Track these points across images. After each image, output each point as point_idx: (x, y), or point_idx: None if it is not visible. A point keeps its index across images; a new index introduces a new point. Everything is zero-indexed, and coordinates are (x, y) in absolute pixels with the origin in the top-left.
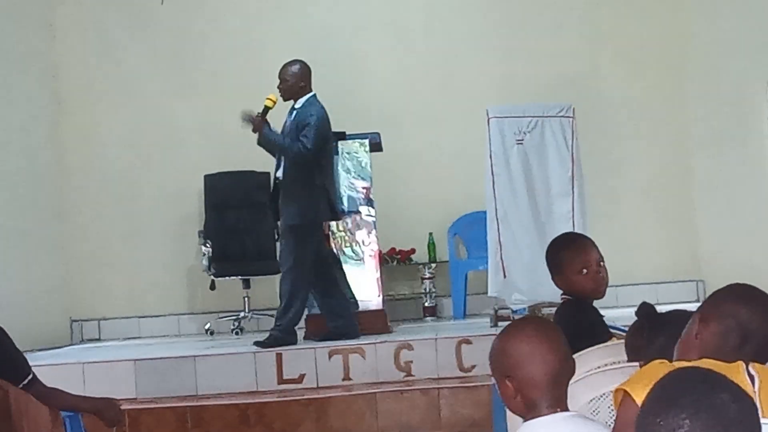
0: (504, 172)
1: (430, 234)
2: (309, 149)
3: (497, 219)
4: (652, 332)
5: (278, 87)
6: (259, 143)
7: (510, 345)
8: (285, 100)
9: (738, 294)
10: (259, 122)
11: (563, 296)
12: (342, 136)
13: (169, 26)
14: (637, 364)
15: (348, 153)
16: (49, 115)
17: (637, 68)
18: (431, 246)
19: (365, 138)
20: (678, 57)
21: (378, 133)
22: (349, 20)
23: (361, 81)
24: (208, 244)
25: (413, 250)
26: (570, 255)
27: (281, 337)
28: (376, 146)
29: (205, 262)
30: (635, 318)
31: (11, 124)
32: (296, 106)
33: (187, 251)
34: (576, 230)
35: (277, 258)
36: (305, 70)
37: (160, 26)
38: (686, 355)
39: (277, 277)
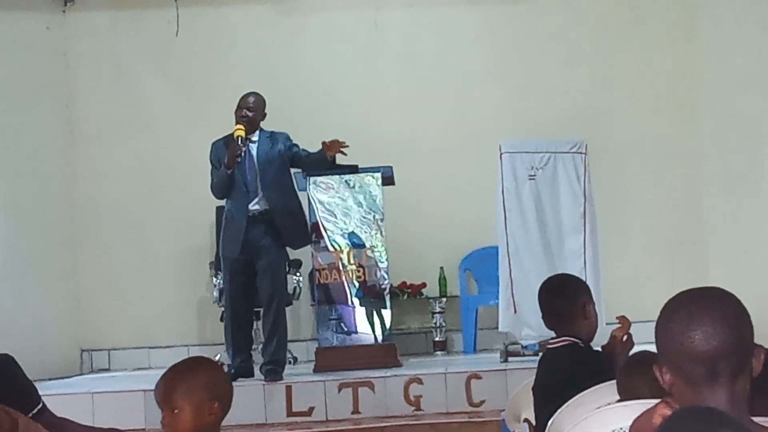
0: (516, 208)
1: (441, 268)
2: None
3: (509, 254)
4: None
5: (243, 118)
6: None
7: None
8: (249, 133)
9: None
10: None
11: (566, 339)
12: (354, 169)
13: (183, 57)
14: (645, 401)
15: (360, 186)
16: (62, 143)
17: (649, 104)
18: (442, 280)
19: (377, 171)
20: (690, 93)
21: (390, 167)
22: (361, 53)
23: (374, 114)
24: (218, 276)
25: (424, 284)
26: (589, 298)
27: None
28: (388, 180)
29: (215, 293)
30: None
31: (24, 153)
32: (254, 139)
33: (198, 282)
34: (588, 266)
35: (288, 290)
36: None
37: (174, 56)
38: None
39: (288, 309)
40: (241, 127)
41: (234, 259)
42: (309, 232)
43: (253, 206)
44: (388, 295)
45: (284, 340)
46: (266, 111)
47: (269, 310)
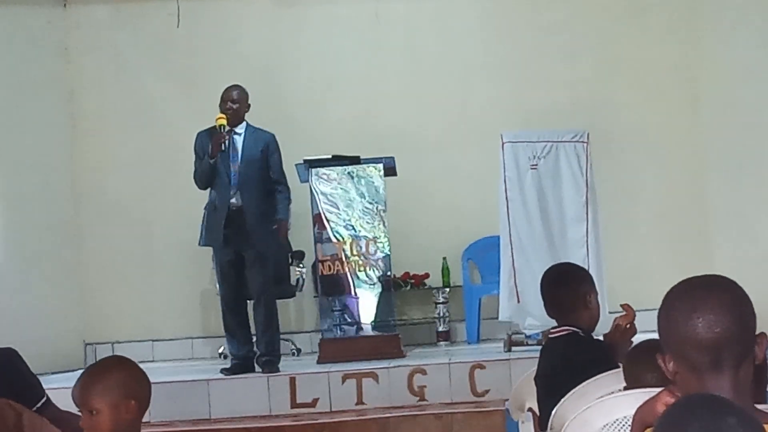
0: (518, 197)
1: (444, 258)
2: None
3: (511, 244)
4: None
5: (226, 110)
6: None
7: (141, 374)
8: (234, 125)
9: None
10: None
11: (567, 329)
12: (356, 160)
13: (184, 49)
14: (649, 389)
15: (362, 177)
16: (64, 138)
17: (651, 94)
18: (445, 270)
19: (380, 162)
20: (692, 83)
21: (392, 158)
22: (363, 45)
23: (376, 106)
24: None
25: (427, 275)
26: (591, 287)
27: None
28: (390, 170)
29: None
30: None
31: (26, 147)
32: (239, 131)
33: (201, 275)
34: (590, 256)
35: (291, 282)
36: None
37: (175, 49)
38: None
39: (292, 301)
40: (223, 116)
41: (221, 251)
42: (278, 237)
43: (232, 199)
44: (391, 286)
45: (277, 331)
46: (250, 103)
47: (259, 302)
